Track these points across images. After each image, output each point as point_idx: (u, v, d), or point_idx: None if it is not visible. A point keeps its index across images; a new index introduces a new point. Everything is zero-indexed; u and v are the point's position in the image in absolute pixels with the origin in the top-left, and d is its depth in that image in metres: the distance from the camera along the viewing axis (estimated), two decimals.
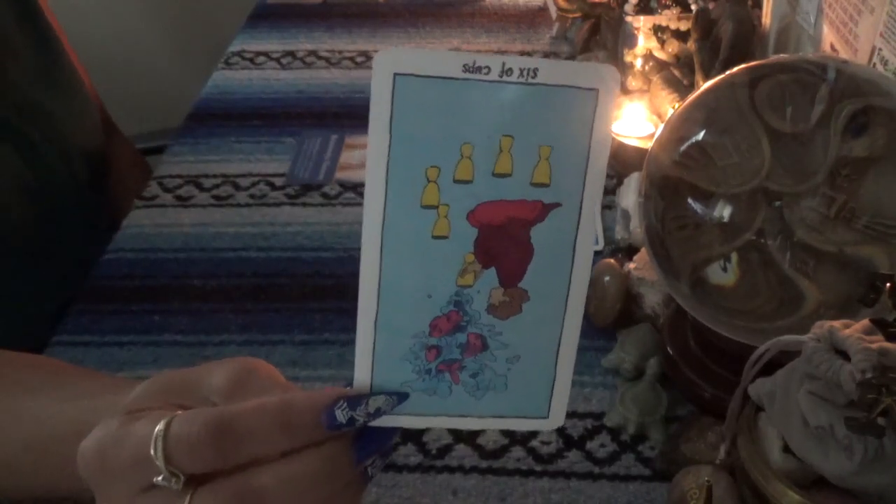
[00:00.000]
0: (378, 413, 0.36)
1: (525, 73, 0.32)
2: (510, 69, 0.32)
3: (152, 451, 0.33)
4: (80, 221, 0.90)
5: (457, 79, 0.32)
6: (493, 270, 0.36)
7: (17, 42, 0.85)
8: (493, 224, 0.35)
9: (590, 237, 0.36)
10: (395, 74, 0.32)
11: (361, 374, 0.36)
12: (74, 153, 0.91)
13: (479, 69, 0.32)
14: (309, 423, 0.34)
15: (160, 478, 0.33)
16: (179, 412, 0.35)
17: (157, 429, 0.34)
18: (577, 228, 0.35)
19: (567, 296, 0.36)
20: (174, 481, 0.33)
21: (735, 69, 0.59)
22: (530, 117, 0.33)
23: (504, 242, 0.35)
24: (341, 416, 0.35)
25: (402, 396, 0.37)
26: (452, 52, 0.32)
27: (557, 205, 0.35)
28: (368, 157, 0.33)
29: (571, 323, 0.37)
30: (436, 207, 0.34)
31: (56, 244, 0.85)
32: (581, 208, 0.35)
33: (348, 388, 0.37)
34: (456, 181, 0.34)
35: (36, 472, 0.48)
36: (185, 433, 0.33)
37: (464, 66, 0.32)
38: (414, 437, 0.65)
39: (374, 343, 0.36)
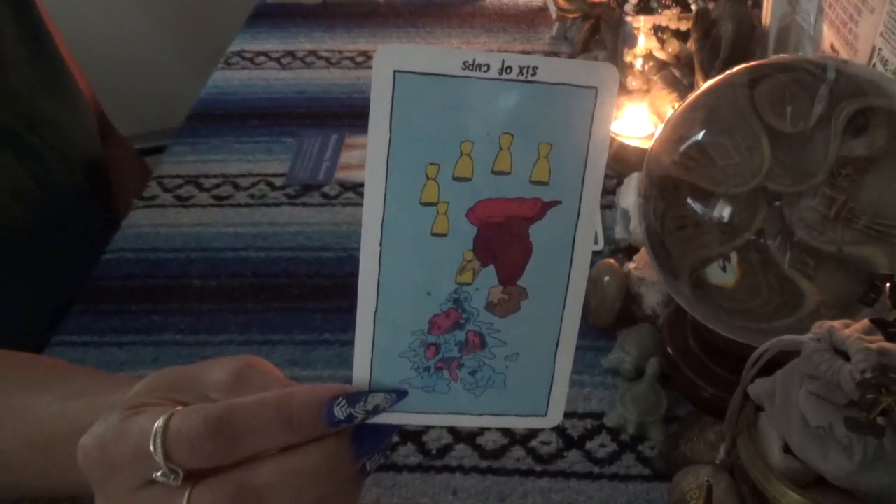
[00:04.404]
0: (377, 410, 0.36)
1: (525, 71, 0.32)
2: (510, 67, 0.32)
3: (152, 447, 0.33)
4: (79, 223, 0.90)
5: (457, 76, 0.32)
6: (492, 268, 0.36)
7: (17, 49, 0.85)
8: (492, 222, 0.35)
9: (589, 235, 0.36)
10: (396, 72, 0.32)
11: (360, 371, 0.37)
12: (74, 158, 0.91)
13: (478, 67, 0.32)
14: (308, 419, 0.34)
15: (159, 473, 0.34)
16: (179, 408, 0.35)
17: (156, 424, 0.34)
18: (576, 226, 0.35)
19: (566, 294, 0.36)
20: (173, 477, 0.33)
21: (735, 69, 0.59)
22: (530, 115, 0.33)
23: (503, 240, 0.35)
24: (340, 412, 0.35)
25: (400, 394, 0.37)
26: (452, 50, 0.32)
27: (556, 203, 0.35)
28: (368, 154, 0.33)
29: (570, 321, 0.37)
30: (435, 205, 0.34)
31: (56, 246, 0.85)
32: (580, 206, 0.35)
33: (348, 384, 0.37)
34: (455, 178, 0.34)
35: (38, 470, 0.48)
36: (185, 428, 0.33)
37: (464, 63, 0.32)
38: (414, 436, 0.64)
39: (373, 340, 0.36)
